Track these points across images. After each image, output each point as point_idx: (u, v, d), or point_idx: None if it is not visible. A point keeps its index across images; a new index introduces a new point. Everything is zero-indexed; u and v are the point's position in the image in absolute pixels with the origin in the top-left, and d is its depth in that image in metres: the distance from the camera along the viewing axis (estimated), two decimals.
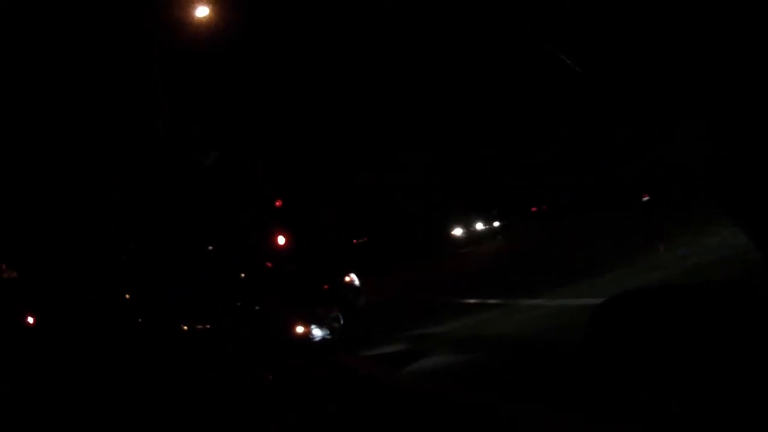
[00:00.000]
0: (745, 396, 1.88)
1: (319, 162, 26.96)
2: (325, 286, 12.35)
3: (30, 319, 13.10)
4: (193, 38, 18.66)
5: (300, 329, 10.81)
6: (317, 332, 10.89)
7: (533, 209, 32.98)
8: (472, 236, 29.87)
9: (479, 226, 30.35)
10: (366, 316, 12.69)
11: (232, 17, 19.89)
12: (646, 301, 2.29)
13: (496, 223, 30.62)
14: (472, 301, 14.09)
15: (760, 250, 2.05)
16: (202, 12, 18.66)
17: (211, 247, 13.73)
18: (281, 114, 23.39)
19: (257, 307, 11.65)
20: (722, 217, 2.04)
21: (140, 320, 12.00)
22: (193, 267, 13.00)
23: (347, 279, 12.55)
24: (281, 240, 14.88)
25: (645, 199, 22.59)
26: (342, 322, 11.58)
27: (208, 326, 11.47)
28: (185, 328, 11.32)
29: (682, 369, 2.02)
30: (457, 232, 30.25)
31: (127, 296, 12.71)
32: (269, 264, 13.48)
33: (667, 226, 17.08)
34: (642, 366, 2.13)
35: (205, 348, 10.95)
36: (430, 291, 16.97)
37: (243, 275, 12.73)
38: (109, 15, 19.24)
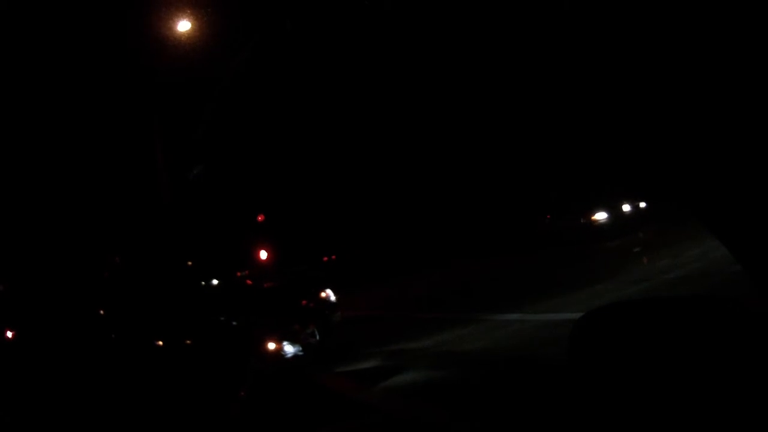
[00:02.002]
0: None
1: (321, 169, 26.52)
2: (304, 302, 12.41)
3: (9, 334, 13.18)
4: (179, 45, 18.95)
5: (272, 346, 10.84)
6: (289, 349, 10.92)
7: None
8: (619, 222, 21.20)
9: (626, 207, 21.57)
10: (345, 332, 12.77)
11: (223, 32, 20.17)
12: (626, 315, 2.32)
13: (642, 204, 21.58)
14: None
15: (740, 262, 2.11)
16: (186, 26, 19.04)
17: (190, 263, 13.78)
18: (278, 125, 23.53)
19: (234, 323, 11.71)
20: (706, 231, 2.11)
21: (113, 336, 12.04)
22: (174, 282, 13.06)
23: (323, 294, 12.60)
24: (263, 255, 15.00)
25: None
26: (318, 337, 11.63)
27: (185, 342, 11.51)
28: (160, 343, 11.36)
29: (667, 384, 2.04)
30: (601, 216, 21.64)
31: (102, 312, 12.76)
32: (249, 282, 13.57)
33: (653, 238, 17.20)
34: (628, 385, 2.15)
35: (178, 364, 10.97)
36: None
37: (223, 291, 12.79)
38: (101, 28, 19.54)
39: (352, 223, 27.11)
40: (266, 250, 14.98)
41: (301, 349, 11.02)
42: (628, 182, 19.52)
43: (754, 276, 2.01)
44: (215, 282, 13.12)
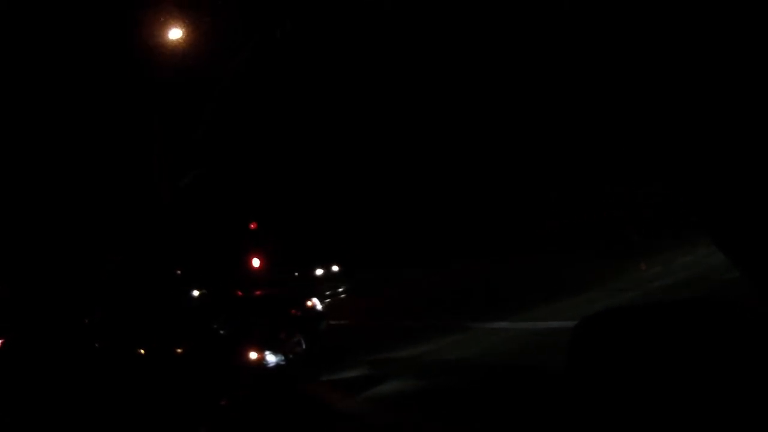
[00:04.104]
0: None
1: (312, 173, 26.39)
2: (292, 311, 12.34)
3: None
4: (179, 46, 19.05)
5: (254, 355, 10.79)
6: (271, 358, 10.86)
7: None
8: None
9: None
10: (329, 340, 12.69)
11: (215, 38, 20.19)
12: (627, 320, 2.23)
13: None
14: None
15: (738, 268, 2.03)
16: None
17: (179, 271, 13.73)
18: (277, 126, 23.52)
19: (222, 332, 11.66)
20: (706, 238, 2.02)
21: (97, 344, 12.02)
22: (161, 290, 13.02)
23: (309, 303, 12.53)
24: (256, 263, 14.96)
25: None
26: (304, 346, 11.57)
27: (170, 351, 11.46)
28: (142, 351, 11.32)
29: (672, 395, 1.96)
30: None
31: (86, 320, 12.75)
32: (239, 293, 13.52)
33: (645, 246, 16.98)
34: (628, 389, 2.07)
35: (162, 372, 10.95)
36: None
37: (211, 300, 12.74)
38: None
39: (353, 225, 27.01)
40: (259, 258, 14.93)
41: (284, 358, 10.96)
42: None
43: (754, 279, 1.92)
44: (205, 290, 13.06)
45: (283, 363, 10.91)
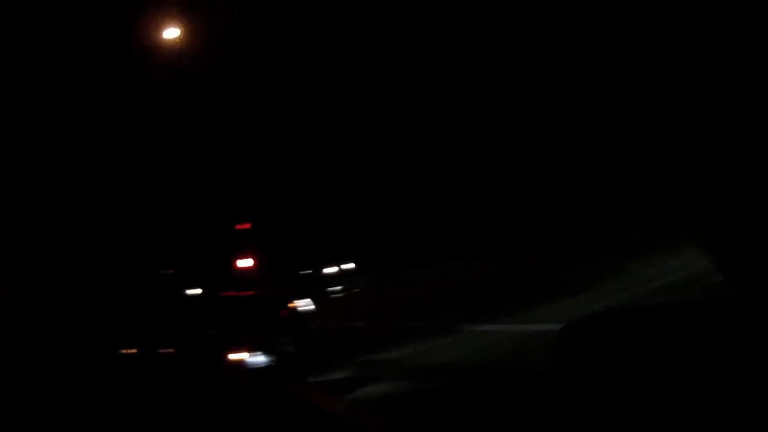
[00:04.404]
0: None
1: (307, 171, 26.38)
2: (283, 312, 12.26)
3: None
4: (179, 46, 19.11)
5: (239, 356, 10.73)
6: (261, 359, 10.80)
7: None
8: None
9: None
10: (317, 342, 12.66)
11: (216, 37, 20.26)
12: (611, 324, 2.22)
13: None
14: None
15: (721, 272, 2.04)
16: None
17: (179, 271, 13.67)
18: (277, 125, 23.56)
19: (212, 333, 11.61)
20: (691, 244, 2.02)
21: (97, 344, 12.02)
22: (161, 290, 12.99)
23: (299, 304, 12.45)
24: (249, 263, 14.85)
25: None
26: (293, 347, 11.50)
27: (169, 351, 11.45)
28: (126, 352, 11.33)
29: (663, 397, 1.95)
30: None
31: (86, 320, 12.78)
32: (231, 293, 13.45)
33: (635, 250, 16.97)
34: (615, 391, 2.06)
35: (160, 372, 10.95)
36: None
37: (200, 300, 12.68)
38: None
39: (353, 224, 26.97)
40: (252, 258, 14.82)
41: (274, 359, 10.89)
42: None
43: (737, 283, 1.91)
44: (202, 290, 12.99)
45: (272, 364, 10.84)
